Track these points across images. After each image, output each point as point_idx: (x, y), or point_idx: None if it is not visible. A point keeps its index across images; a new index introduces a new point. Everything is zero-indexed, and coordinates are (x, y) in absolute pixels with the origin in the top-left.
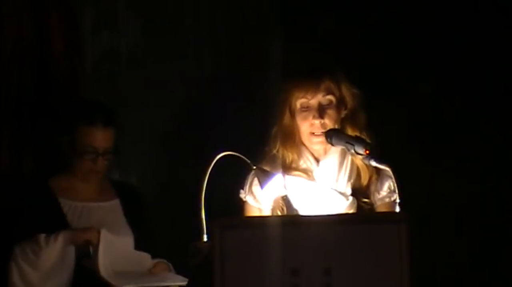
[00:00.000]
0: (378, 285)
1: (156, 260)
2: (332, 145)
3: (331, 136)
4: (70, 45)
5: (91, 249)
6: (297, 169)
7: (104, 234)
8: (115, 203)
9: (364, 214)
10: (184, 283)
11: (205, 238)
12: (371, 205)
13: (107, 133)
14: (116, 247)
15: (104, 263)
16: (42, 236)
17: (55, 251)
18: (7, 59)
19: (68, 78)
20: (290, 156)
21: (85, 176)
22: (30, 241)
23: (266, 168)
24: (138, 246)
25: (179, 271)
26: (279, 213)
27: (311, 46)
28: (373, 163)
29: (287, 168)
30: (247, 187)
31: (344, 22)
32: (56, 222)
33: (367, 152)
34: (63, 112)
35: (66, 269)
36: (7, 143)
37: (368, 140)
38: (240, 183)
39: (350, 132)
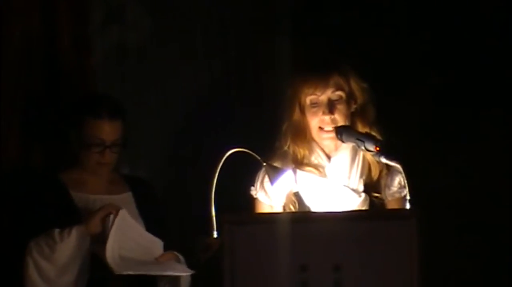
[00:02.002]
0: (388, 281)
1: (166, 251)
2: (343, 141)
3: (341, 133)
4: (78, 39)
5: (110, 219)
6: (308, 164)
7: (122, 213)
8: (128, 196)
9: (373, 211)
10: (188, 274)
11: (214, 234)
12: (382, 200)
13: (113, 125)
14: (130, 228)
15: (113, 246)
16: (57, 231)
17: (70, 245)
18: (15, 53)
19: (76, 72)
20: (301, 152)
21: (93, 169)
22: (45, 236)
23: (277, 164)
24: None
25: (189, 266)
26: (292, 209)
27: (320, 41)
28: (383, 160)
29: (299, 164)
30: (258, 184)
31: (354, 18)
32: (69, 215)
33: (377, 148)
34: (70, 105)
35: (82, 262)
36: (16, 137)
37: (378, 137)
38: (249, 180)
39: (360, 127)
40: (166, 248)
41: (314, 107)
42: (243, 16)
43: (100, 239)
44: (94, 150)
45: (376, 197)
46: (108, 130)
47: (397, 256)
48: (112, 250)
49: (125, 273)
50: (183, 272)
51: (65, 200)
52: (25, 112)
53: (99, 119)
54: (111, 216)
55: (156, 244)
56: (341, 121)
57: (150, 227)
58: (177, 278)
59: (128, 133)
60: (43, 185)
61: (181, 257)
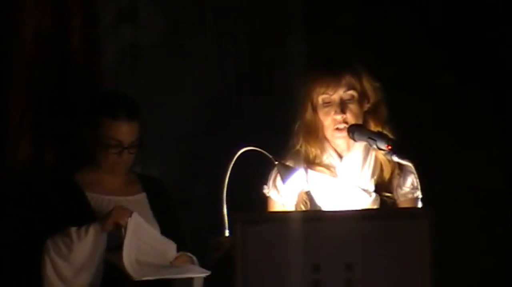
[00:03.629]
0: (400, 281)
1: (180, 253)
2: (354, 140)
3: (353, 131)
4: (89, 40)
5: (122, 231)
6: (320, 164)
7: (134, 217)
8: (142, 197)
9: (386, 210)
10: (205, 275)
11: (226, 233)
12: (394, 199)
13: (131, 126)
14: (144, 232)
15: (130, 251)
16: (74, 230)
17: (86, 245)
18: (27, 54)
19: (87, 72)
20: (313, 151)
21: (110, 169)
22: (62, 235)
23: (289, 163)
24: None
25: (202, 266)
26: (303, 208)
27: (333, 40)
28: (395, 159)
29: (310, 164)
30: (270, 182)
31: (366, 16)
32: (84, 216)
33: (389, 147)
34: (87, 105)
35: (98, 261)
36: (28, 137)
37: (390, 136)
38: (262, 179)
39: (373, 126)
40: (180, 248)
41: (326, 106)
42: (256, 14)
43: (115, 244)
44: (111, 151)
45: (388, 197)
46: (126, 132)
47: (409, 256)
48: (129, 256)
49: (144, 279)
50: (200, 273)
51: (80, 200)
52: (37, 112)
53: (117, 120)
54: (122, 230)
55: (169, 246)
56: (353, 121)
57: (164, 228)
58: (190, 279)
59: (143, 131)
60: (58, 185)
61: (194, 258)
